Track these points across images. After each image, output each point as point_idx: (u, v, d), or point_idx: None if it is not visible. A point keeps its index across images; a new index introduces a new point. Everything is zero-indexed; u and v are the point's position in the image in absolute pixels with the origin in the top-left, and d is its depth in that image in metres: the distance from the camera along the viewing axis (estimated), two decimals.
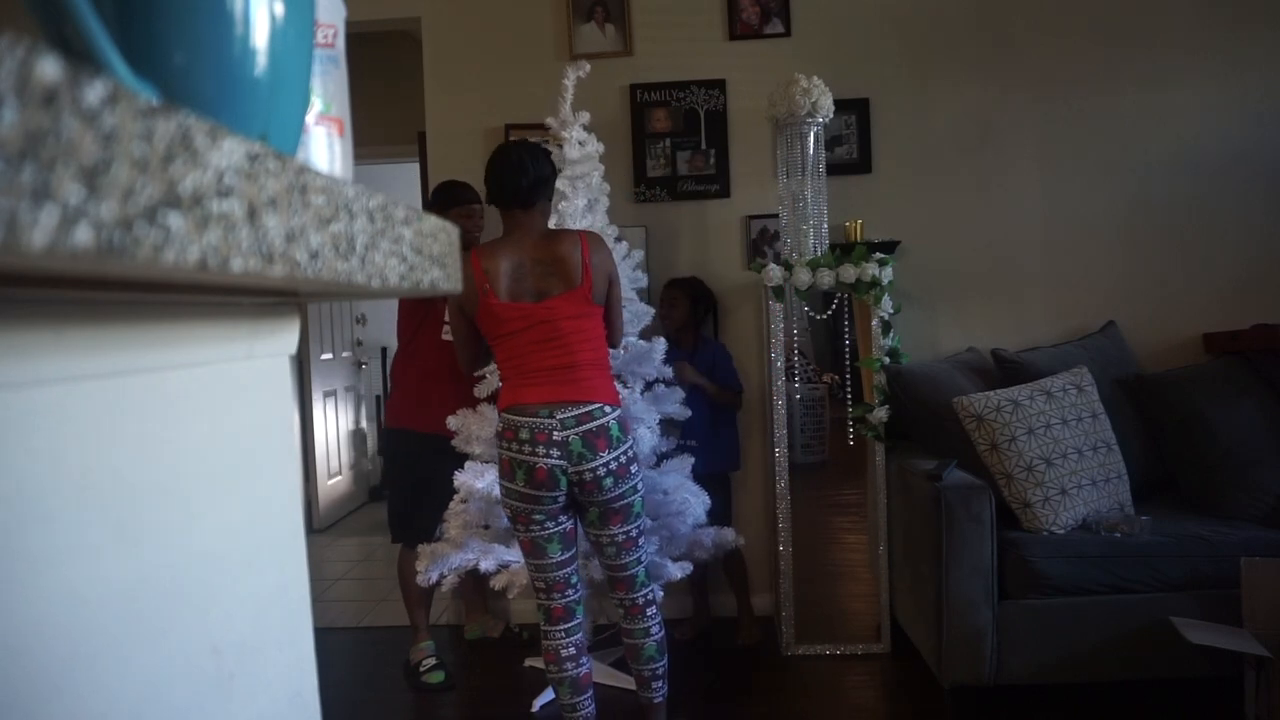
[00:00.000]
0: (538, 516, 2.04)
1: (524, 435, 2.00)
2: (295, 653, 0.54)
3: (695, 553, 2.61)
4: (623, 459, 2.03)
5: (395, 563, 2.93)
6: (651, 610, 2.17)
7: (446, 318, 2.78)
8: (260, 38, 0.39)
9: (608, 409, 2.03)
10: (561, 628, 2.11)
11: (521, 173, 2.06)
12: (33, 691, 0.32)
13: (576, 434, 1.99)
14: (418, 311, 2.80)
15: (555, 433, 1.99)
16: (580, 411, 2.00)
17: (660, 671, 2.18)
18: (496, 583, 2.53)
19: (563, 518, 2.08)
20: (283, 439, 0.54)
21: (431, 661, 2.75)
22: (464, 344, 2.16)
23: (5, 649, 0.31)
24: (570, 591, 2.12)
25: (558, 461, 1.99)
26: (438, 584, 2.67)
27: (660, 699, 2.19)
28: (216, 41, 0.37)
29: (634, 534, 2.11)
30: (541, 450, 1.99)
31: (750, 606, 3.01)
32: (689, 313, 2.97)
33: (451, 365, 2.77)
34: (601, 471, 2.00)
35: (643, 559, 2.15)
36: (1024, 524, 2.37)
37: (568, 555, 2.11)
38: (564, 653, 2.10)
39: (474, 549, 2.56)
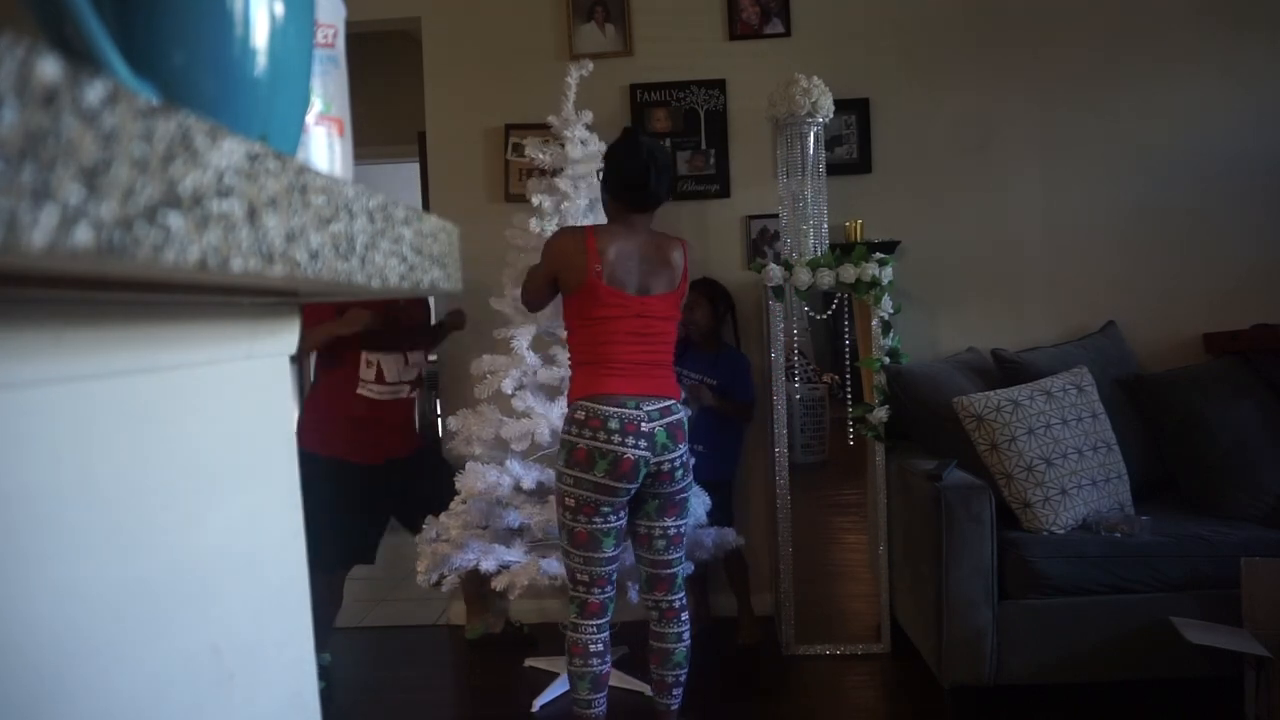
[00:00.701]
0: (605, 509, 2.02)
1: (613, 425, 1.99)
2: (295, 653, 0.54)
3: (695, 553, 2.61)
4: (689, 453, 2.12)
5: (394, 562, 2.94)
6: (686, 615, 2.18)
7: (365, 375, 2.71)
8: (260, 38, 0.39)
9: (678, 405, 2.11)
10: (594, 623, 2.09)
11: (668, 176, 2.11)
12: (33, 691, 0.32)
13: (661, 425, 2.03)
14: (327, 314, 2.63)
15: (643, 424, 2.01)
16: (662, 405, 2.06)
17: (683, 678, 2.17)
18: (498, 583, 2.52)
19: (623, 512, 2.07)
20: (283, 439, 0.54)
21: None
22: (538, 291, 2.14)
23: (5, 648, 0.31)
24: (609, 588, 2.11)
25: (644, 453, 2.00)
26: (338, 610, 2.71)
27: (677, 706, 2.19)
28: (216, 41, 0.37)
29: (683, 529, 2.16)
30: (630, 441, 1.99)
31: (750, 606, 3.01)
32: (711, 314, 2.93)
33: (378, 407, 2.70)
34: (678, 463, 2.07)
35: (684, 559, 2.19)
36: (1024, 524, 2.37)
37: (617, 551, 2.10)
38: (593, 648, 2.09)
39: (474, 549, 2.56)
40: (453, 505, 2.62)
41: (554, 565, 2.56)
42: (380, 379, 2.71)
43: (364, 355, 2.70)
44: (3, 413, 0.32)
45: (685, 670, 2.17)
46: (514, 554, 2.57)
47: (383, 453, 2.72)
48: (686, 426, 2.11)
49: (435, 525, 2.66)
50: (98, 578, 0.36)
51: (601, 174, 2.21)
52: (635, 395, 2.03)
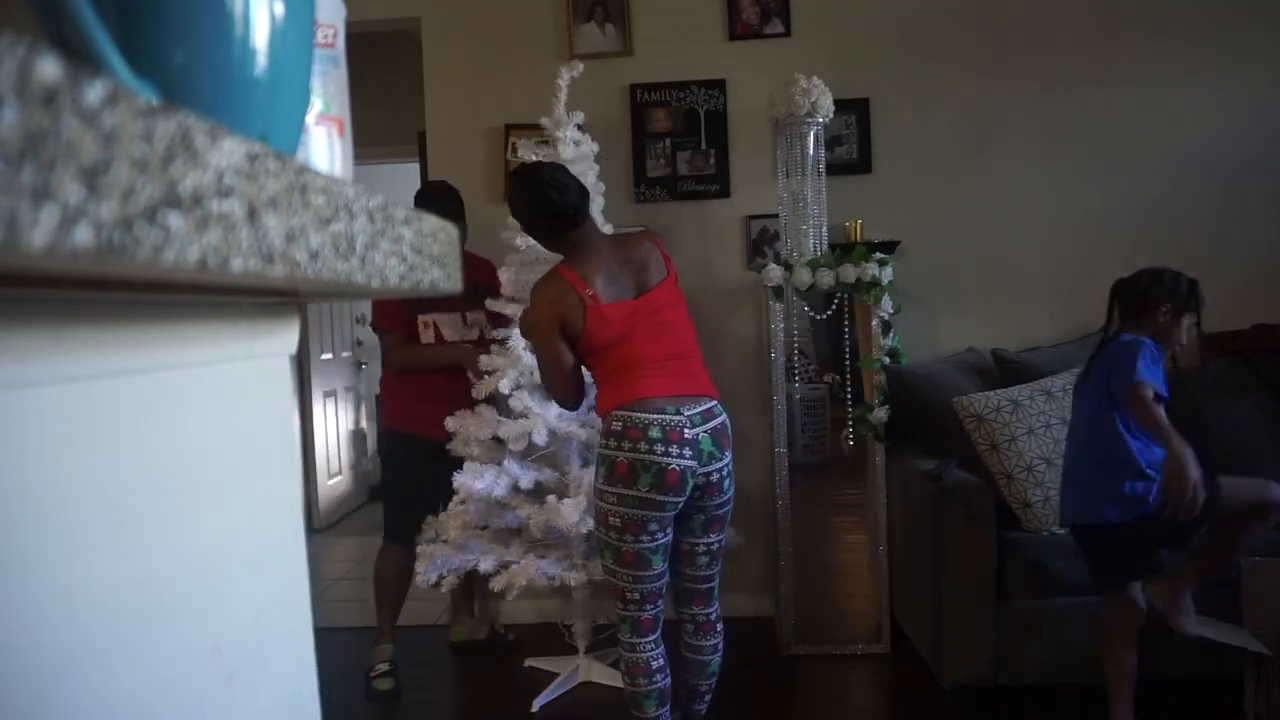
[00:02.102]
0: (652, 526, 1.89)
1: (654, 434, 1.86)
2: (295, 653, 0.54)
3: None
4: (732, 461, 2.01)
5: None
6: (720, 626, 2.12)
7: (424, 339, 2.79)
8: (260, 38, 0.39)
9: (719, 406, 1.99)
10: (650, 639, 2.00)
11: (566, 191, 1.99)
12: (32, 691, 0.32)
13: (705, 431, 1.91)
14: (402, 314, 2.76)
15: (686, 430, 1.88)
16: (703, 409, 1.93)
17: (714, 686, 2.15)
18: (496, 584, 2.52)
19: (669, 527, 1.95)
20: (283, 439, 0.54)
21: (385, 667, 2.70)
22: (562, 370, 1.99)
23: (5, 649, 0.31)
24: (661, 602, 2.01)
25: (689, 462, 1.88)
26: (405, 588, 2.72)
27: (705, 709, 2.16)
28: (216, 41, 0.37)
29: (724, 541, 2.07)
30: (674, 450, 1.86)
31: None
32: None
33: (448, 371, 2.77)
34: (725, 472, 1.96)
35: (721, 570, 2.11)
36: (1024, 524, 2.37)
37: (666, 565, 1.99)
38: (654, 664, 1.99)
39: (474, 550, 2.56)
40: (451, 505, 2.62)
41: (552, 566, 2.56)
42: (440, 340, 2.78)
43: (419, 318, 2.75)
44: (3, 413, 0.32)
45: (716, 679, 2.14)
46: (513, 554, 2.57)
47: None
48: (730, 430, 2.01)
49: (434, 525, 2.67)
50: (98, 577, 0.36)
51: (522, 227, 2.14)
52: (673, 398, 1.90)
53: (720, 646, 2.12)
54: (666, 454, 1.86)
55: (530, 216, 2.04)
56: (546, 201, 1.98)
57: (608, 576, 2.00)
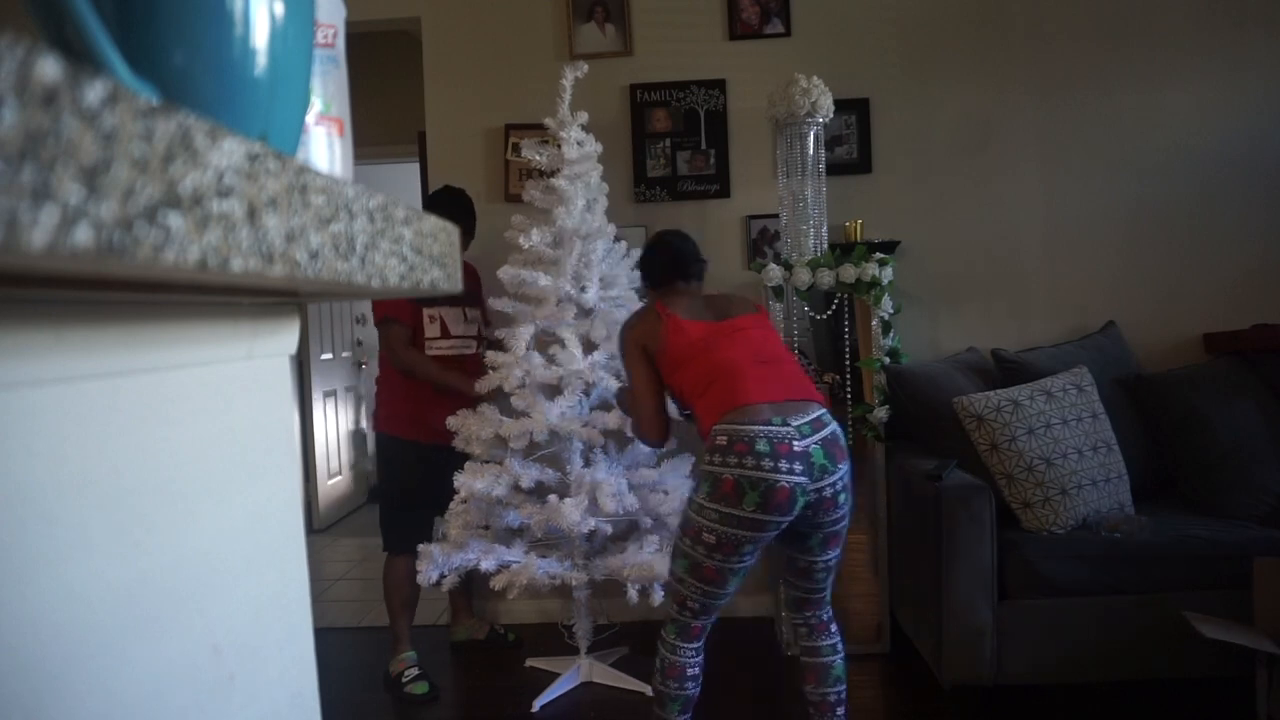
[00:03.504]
0: (748, 547, 1.78)
1: (762, 447, 1.73)
2: (295, 653, 0.54)
3: None
4: (851, 472, 1.88)
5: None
6: (835, 625, 2.03)
7: (430, 333, 2.80)
8: (260, 38, 0.39)
9: (828, 414, 1.87)
10: (694, 646, 1.94)
11: (698, 256, 2.19)
12: (33, 691, 0.32)
13: (816, 443, 1.78)
14: (409, 304, 2.76)
15: (795, 443, 1.75)
16: (811, 418, 1.81)
17: (844, 695, 1.99)
18: (497, 583, 2.52)
19: (761, 550, 1.85)
20: (283, 439, 0.54)
21: (415, 672, 2.71)
22: (647, 395, 2.02)
23: (5, 649, 0.31)
24: (716, 616, 1.95)
25: (800, 479, 1.74)
26: (417, 593, 2.72)
27: None
28: (216, 41, 0.37)
29: (841, 556, 1.96)
30: (784, 465, 1.72)
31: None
32: None
33: (450, 370, 2.77)
34: (839, 486, 1.81)
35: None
36: (1024, 524, 2.37)
37: (739, 587, 1.90)
38: (690, 671, 1.94)
39: (474, 549, 2.56)
40: (452, 505, 2.62)
41: (553, 565, 2.56)
42: (445, 333, 2.81)
43: (425, 311, 2.78)
44: (3, 413, 0.32)
45: (845, 686, 1.99)
46: (514, 554, 2.57)
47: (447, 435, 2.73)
48: (844, 440, 1.88)
49: (435, 525, 2.67)
50: (98, 577, 0.36)
51: (641, 279, 2.27)
52: (777, 406, 1.80)
53: (840, 647, 2.00)
54: (775, 469, 1.73)
55: (650, 263, 2.20)
56: (674, 257, 2.16)
57: (673, 582, 1.92)
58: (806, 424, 1.79)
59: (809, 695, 2.01)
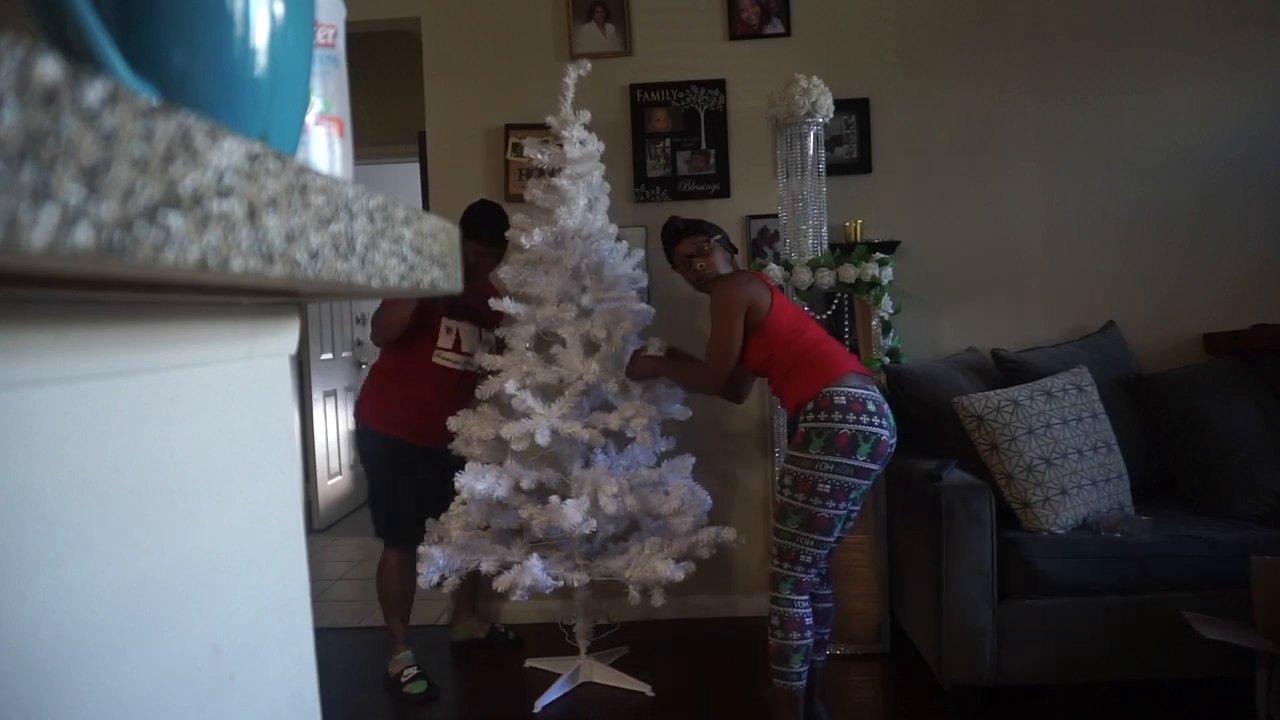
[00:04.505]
0: (854, 494, 2.08)
1: (870, 407, 2.07)
2: (295, 653, 0.54)
3: (696, 551, 2.61)
4: None
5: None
6: (831, 577, 2.38)
7: (443, 342, 2.74)
8: (260, 38, 0.39)
9: None
10: (805, 599, 2.17)
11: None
12: (33, 691, 0.32)
13: (890, 409, 2.14)
14: (422, 306, 2.72)
15: (885, 405, 2.11)
16: (877, 388, 2.16)
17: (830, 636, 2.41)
18: (499, 584, 2.51)
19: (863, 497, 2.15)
20: (283, 439, 0.54)
21: (413, 671, 2.69)
22: (732, 350, 2.25)
23: (5, 649, 0.31)
24: (823, 567, 2.22)
25: (888, 433, 2.09)
26: (411, 591, 2.71)
27: (824, 661, 2.38)
28: (216, 41, 0.37)
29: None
30: (884, 424, 2.08)
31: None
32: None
33: (444, 381, 2.75)
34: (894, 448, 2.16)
35: None
36: (1024, 524, 2.37)
37: (840, 538, 2.19)
38: (808, 621, 2.17)
39: (475, 549, 2.56)
40: (453, 506, 2.62)
41: (554, 566, 2.56)
42: (457, 348, 2.78)
43: (444, 321, 2.76)
44: (3, 413, 0.32)
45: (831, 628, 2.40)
46: (514, 555, 2.57)
47: (437, 440, 2.73)
48: None
49: (436, 526, 2.66)
50: (98, 577, 0.36)
51: (721, 235, 2.44)
52: (861, 376, 2.13)
53: (831, 597, 2.37)
54: (881, 425, 2.07)
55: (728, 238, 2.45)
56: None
57: (785, 542, 2.14)
58: (880, 394, 2.14)
59: (817, 633, 2.29)
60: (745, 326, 2.24)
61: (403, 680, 2.68)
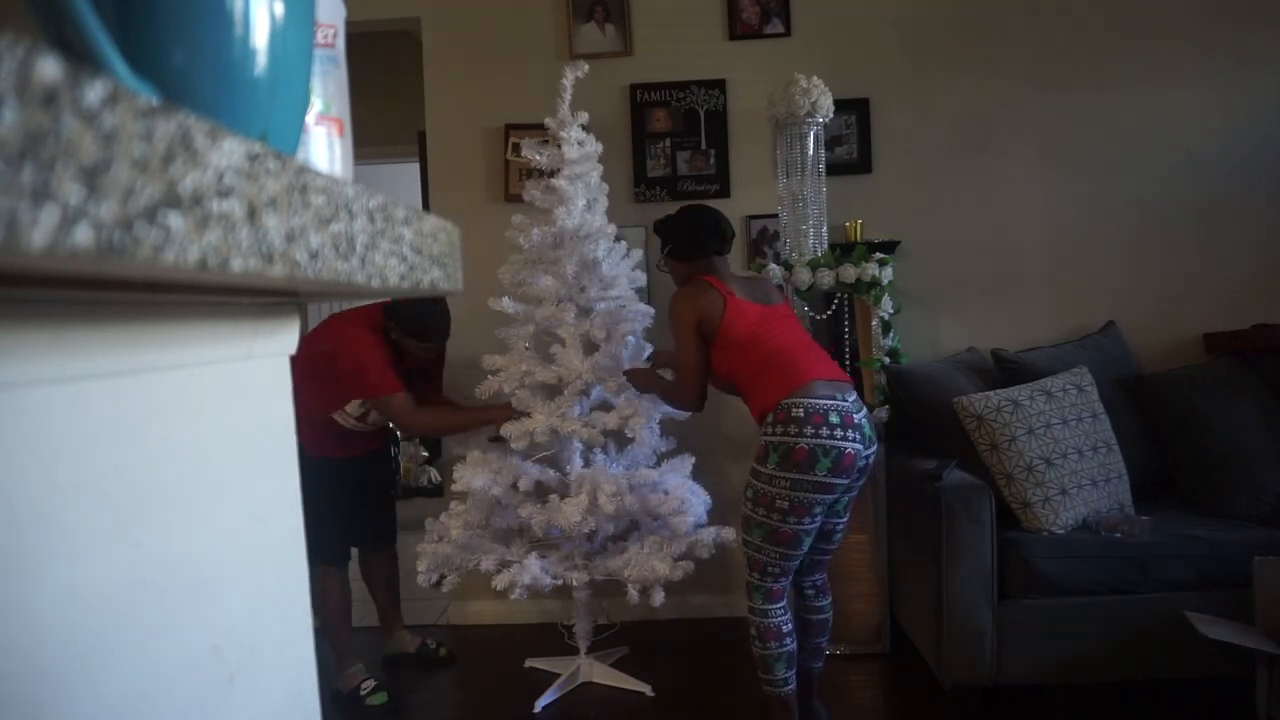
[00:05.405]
0: (817, 510, 2.01)
1: (834, 419, 1.98)
2: (295, 653, 0.54)
3: (696, 551, 2.61)
4: None
5: (392, 562, 2.93)
6: (828, 586, 2.32)
7: (349, 408, 2.57)
8: (260, 38, 0.39)
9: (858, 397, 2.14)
10: (780, 606, 2.14)
11: (725, 225, 2.33)
12: (32, 691, 0.32)
13: (864, 418, 2.05)
14: (394, 373, 2.54)
15: (855, 415, 2.01)
16: (854, 396, 2.08)
17: (827, 644, 2.36)
18: (498, 583, 2.51)
19: (827, 510, 2.08)
20: (283, 439, 0.54)
21: (372, 683, 2.63)
22: (701, 371, 2.21)
23: (5, 649, 0.31)
24: (793, 576, 2.18)
25: (858, 446, 1.99)
26: (348, 602, 2.73)
27: (822, 668, 2.34)
28: (216, 41, 0.37)
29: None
30: (851, 435, 1.98)
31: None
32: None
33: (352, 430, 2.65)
34: (873, 459, 2.08)
35: None
36: (1024, 524, 2.37)
37: (810, 545, 2.14)
38: (785, 629, 2.13)
39: (475, 548, 2.56)
40: (453, 505, 2.62)
41: (554, 566, 2.56)
42: (363, 419, 2.62)
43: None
44: (3, 413, 0.32)
45: (829, 636, 2.35)
46: (515, 554, 2.57)
47: (365, 448, 2.74)
48: None
49: (435, 525, 2.66)
50: (98, 577, 0.36)
51: (670, 247, 2.33)
52: (832, 384, 2.04)
53: (830, 607, 2.32)
54: (845, 438, 1.97)
55: (694, 231, 2.29)
56: (708, 229, 2.28)
57: (752, 553, 2.12)
58: (855, 401, 2.05)
59: (808, 645, 2.28)
60: (704, 338, 2.19)
61: (362, 692, 2.62)
